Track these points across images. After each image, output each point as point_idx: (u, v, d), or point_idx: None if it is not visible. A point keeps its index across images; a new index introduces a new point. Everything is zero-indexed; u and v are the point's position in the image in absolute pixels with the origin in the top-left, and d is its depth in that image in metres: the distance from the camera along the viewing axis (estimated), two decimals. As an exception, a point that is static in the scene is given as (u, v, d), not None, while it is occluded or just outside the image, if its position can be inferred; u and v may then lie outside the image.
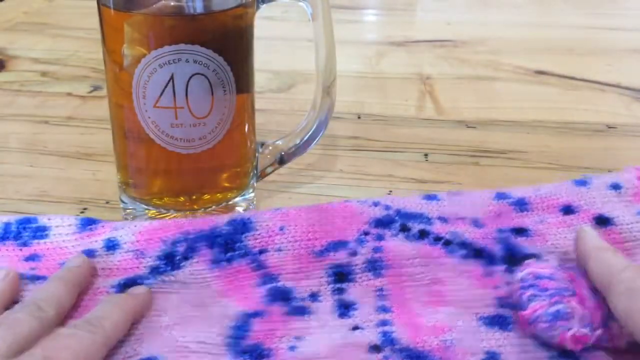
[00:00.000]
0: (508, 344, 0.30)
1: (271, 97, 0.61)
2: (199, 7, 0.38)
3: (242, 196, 0.42)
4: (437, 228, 0.37)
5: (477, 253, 0.35)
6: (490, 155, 0.51)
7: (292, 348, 0.31)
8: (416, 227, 0.37)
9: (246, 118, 0.41)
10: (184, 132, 0.38)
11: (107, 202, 0.44)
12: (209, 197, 0.41)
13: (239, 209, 0.42)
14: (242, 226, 0.36)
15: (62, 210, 0.43)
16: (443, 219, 0.37)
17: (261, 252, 0.35)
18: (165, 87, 0.36)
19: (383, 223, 0.37)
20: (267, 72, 0.66)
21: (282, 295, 0.34)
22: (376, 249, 0.35)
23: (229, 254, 0.35)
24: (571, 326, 0.29)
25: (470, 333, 0.31)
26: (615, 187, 0.38)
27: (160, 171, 0.41)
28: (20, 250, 0.35)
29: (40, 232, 0.36)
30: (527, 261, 0.34)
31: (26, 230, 0.36)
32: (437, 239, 0.36)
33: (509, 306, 0.32)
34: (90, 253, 0.35)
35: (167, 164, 0.39)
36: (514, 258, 0.35)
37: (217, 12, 0.38)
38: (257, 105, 0.43)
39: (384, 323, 0.32)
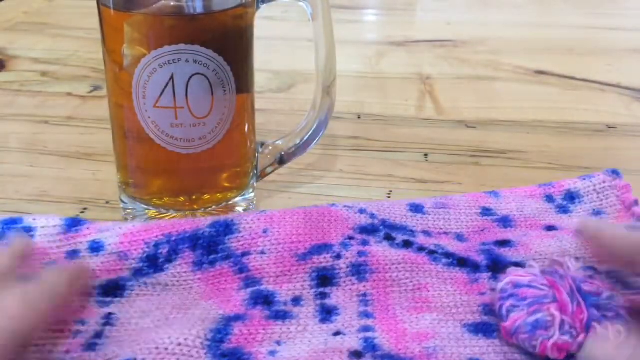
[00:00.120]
0: (492, 352, 0.30)
1: (271, 97, 0.61)
2: (199, 7, 0.38)
3: (242, 196, 0.42)
4: (421, 240, 0.37)
5: (461, 262, 0.35)
6: (490, 155, 0.51)
7: (272, 353, 0.30)
8: (400, 237, 0.37)
9: (246, 118, 0.41)
10: (184, 132, 0.38)
11: (107, 202, 0.44)
12: (209, 197, 0.41)
13: (239, 209, 0.42)
14: (225, 228, 0.36)
15: (62, 210, 0.43)
16: (427, 233, 0.38)
17: (244, 254, 0.35)
18: (165, 87, 0.36)
19: (368, 230, 0.37)
20: (267, 72, 0.66)
21: (264, 299, 0.33)
22: (361, 253, 0.35)
23: (211, 257, 0.35)
24: (552, 335, 0.29)
25: (454, 340, 0.31)
26: (598, 213, 0.39)
27: (160, 171, 0.41)
28: None
29: (26, 232, 0.36)
30: (508, 269, 0.33)
31: (11, 231, 0.36)
32: (421, 248, 0.36)
33: (493, 313, 0.32)
34: (74, 254, 0.35)
35: (167, 164, 0.39)
36: (498, 266, 0.35)
37: (217, 12, 0.38)
38: (257, 105, 0.43)
39: (366, 329, 0.31)
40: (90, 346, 0.30)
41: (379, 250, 0.35)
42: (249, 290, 0.34)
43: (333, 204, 0.38)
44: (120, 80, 0.38)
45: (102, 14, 0.37)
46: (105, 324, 0.32)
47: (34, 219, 0.36)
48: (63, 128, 0.55)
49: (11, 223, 0.36)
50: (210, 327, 0.31)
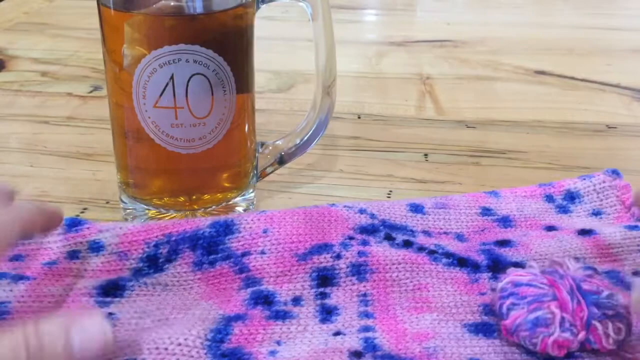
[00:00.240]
0: (492, 352, 0.30)
1: (271, 97, 0.61)
2: (199, 7, 0.38)
3: (242, 196, 0.42)
4: (421, 240, 0.37)
5: (461, 262, 0.35)
6: (490, 155, 0.51)
7: (272, 353, 0.30)
8: (400, 237, 0.37)
9: (246, 118, 0.41)
10: (184, 132, 0.38)
11: (107, 202, 0.44)
12: (209, 197, 0.41)
13: (239, 209, 0.42)
14: (225, 228, 0.36)
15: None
16: (427, 233, 0.38)
17: (244, 254, 0.35)
18: (165, 87, 0.36)
19: (367, 231, 0.37)
20: (267, 72, 0.66)
21: (264, 299, 0.33)
22: (361, 253, 0.35)
23: (211, 257, 0.35)
24: (552, 331, 0.29)
25: (454, 340, 0.31)
26: (597, 213, 0.39)
27: (160, 171, 0.41)
28: None
29: None
30: (508, 270, 0.33)
31: None
32: (421, 248, 0.36)
33: (493, 313, 0.32)
34: (74, 254, 0.35)
35: (167, 164, 0.39)
36: (498, 267, 0.35)
37: (217, 12, 0.38)
38: (257, 105, 0.43)
39: (366, 329, 0.31)
40: None
41: (379, 250, 0.35)
42: (249, 290, 0.34)
43: (333, 204, 0.38)
44: (120, 80, 0.38)
45: (102, 14, 0.38)
46: None
47: None
48: (63, 128, 0.55)
49: None
50: (210, 327, 0.31)
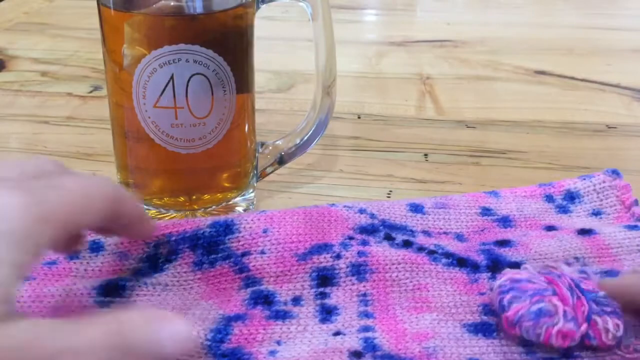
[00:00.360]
0: (492, 352, 0.30)
1: (271, 97, 0.61)
2: (199, 7, 0.38)
3: (242, 196, 0.42)
4: (421, 240, 0.37)
5: (461, 262, 0.35)
6: (490, 155, 0.51)
7: (272, 353, 0.30)
8: (400, 237, 0.37)
9: (246, 118, 0.41)
10: (184, 132, 0.38)
11: (107, 202, 0.44)
12: (209, 197, 0.41)
13: (239, 209, 0.42)
14: (225, 228, 0.36)
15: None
16: (427, 233, 0.38)
17: (244, 254, 0.35)
18: (165, 87, 0.36)
19: (367, 230, 0.37)
20: (267, 72, 0.66)
21: (264, 299, 0.33)
22: (361, 253, 0.35)
23: (211, 257, 0.35)
24: (556, 322, 0.29)
25: (454, 340, 0.31)
26: (597, 213, 0.39)
27: (160, 171, 0.41)
28: None
29: None
30: (504, 270, 0.33)
31: None
32: (421, 248, 0.36)
33: (493, 313, 0.32)
34: (74, 255, 0.35)
35: (167, 164, 0.39)
36: (498, 267, 0.35)
37: (217, 12, 0.38)
38: (257, 105, 0.43)
39: (366, 329, 0.31)
40: None
41: (378, 250, 0.35)
42: (249, 290, 0.34)
43: (333, 204, 0.38)
44: (120, 80, 0.38)
45: (102, 14, 0.38)
46: None
47: None
48: (63, 128, 0.55)
49: None
50: (210, 327, 0.31)
